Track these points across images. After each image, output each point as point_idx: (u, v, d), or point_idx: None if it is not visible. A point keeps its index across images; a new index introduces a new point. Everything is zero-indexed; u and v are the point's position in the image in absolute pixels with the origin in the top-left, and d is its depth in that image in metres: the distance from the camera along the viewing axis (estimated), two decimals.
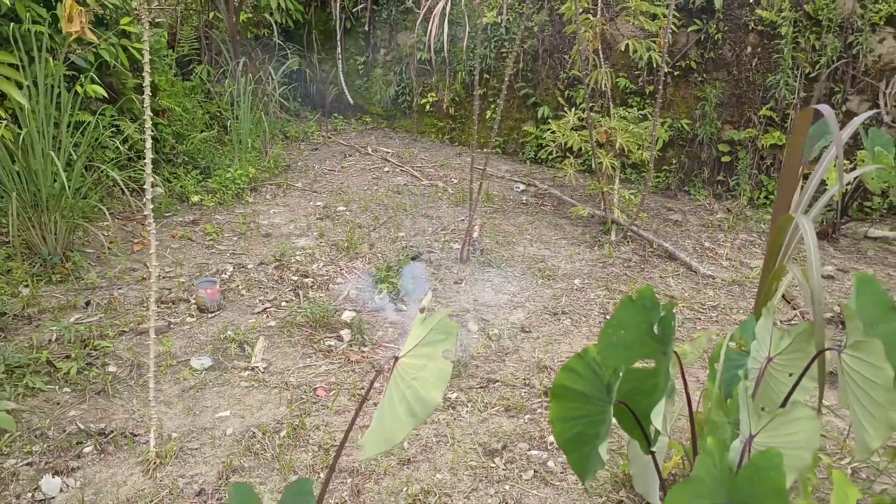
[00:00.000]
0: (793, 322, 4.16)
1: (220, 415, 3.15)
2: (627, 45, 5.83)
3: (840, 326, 4.13)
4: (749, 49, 6.26)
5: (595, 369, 1.58)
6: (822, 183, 5.16)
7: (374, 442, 1.49)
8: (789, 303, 4.40)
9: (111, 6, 5.24)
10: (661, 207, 6.20)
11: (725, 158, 6.43)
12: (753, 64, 6.23)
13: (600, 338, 1.61)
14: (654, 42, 5.93)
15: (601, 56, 6.25)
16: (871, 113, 3.16)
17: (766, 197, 6.20)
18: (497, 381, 3.48)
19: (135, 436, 2.96)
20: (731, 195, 6.36)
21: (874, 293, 1.68)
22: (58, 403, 3.17)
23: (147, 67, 2.52)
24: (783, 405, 1.66)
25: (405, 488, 2.71)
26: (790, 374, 1.91)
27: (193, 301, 4.17)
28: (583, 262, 5.02)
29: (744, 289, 4.63)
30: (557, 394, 1.59)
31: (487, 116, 7.82)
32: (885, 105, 5.73)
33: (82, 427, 2.98)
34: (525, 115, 7.64)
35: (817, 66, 5.88)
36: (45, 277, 4.29)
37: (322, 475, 2.78)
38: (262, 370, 3.54)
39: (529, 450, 2.97)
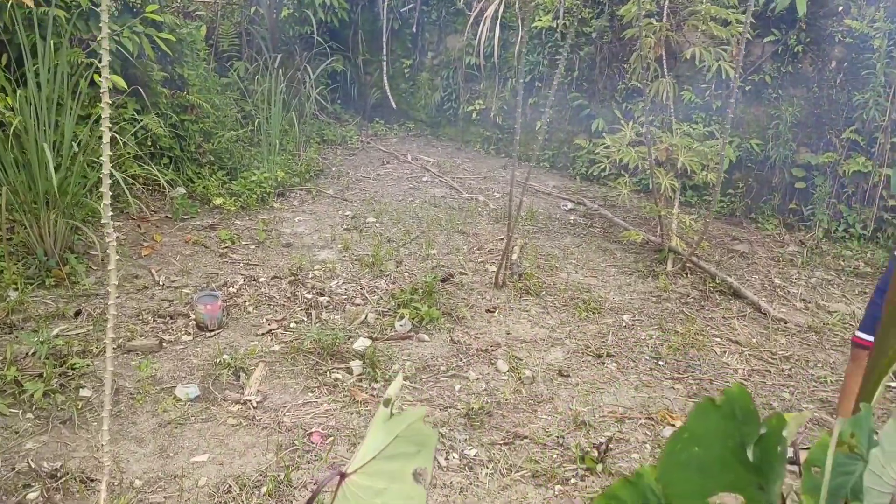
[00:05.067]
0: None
1: (196, 459, 2.70)
2: (694, 53, 5.24)
3: None
4: (834, 64, 5.59)
5: (651, 502, 1.05)
6: None
7: None
8: None
9: None
10: (725, 236, 5.57)
11: (800, 184, 5.76)
12: (838, 80, 5.56)
13: (663, 454, 1.07)
14: (725, 51, 5.32)
15: (664, 65, 5.67)
16: None
17: (845, 230, 5.50)
18: (525, 436, 2.94)
19: (91, 481, 2.52)
20: (805, 226, 5.68)
21: None
22: (16, 432, 2.76)
23: None
24: None
25: None
26: None
27: (193, 317, 3.75)
28: (634, 294, 4.44)
29: (821, 337, 3.99)
30: None
31: (537, 127, 7.29)
32: None
33: (34, 466, 2.55)
34: (577, 128, 7.08)
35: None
36: (39, 281, 3.93)
37: None
38: (255, 405, 3.07)
39: None
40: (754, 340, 3.91)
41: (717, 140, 5.14)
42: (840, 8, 5.45)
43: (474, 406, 3.10)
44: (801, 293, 4.54)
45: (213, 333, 3.66)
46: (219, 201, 5.44)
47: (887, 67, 5.24)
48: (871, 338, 2.68)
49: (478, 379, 3.39)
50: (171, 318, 3.76)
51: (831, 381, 3.51)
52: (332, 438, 2.85)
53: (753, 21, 5.70)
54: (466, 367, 3.50)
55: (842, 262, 5.10)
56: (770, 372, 3.61)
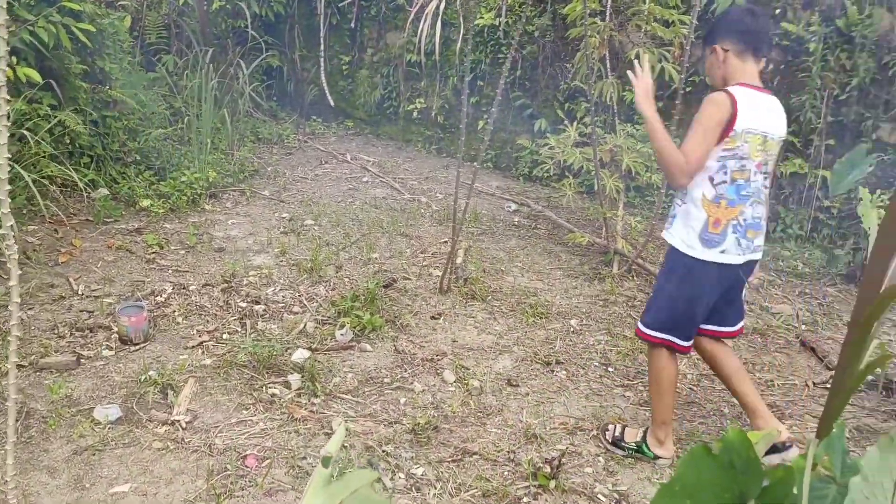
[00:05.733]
0: (829, 384, 3.51)
1: (116, 489, 2.45)
2: (638, 53, 5.20)
3: (885, 392, 3.49)
4: (771, 66, 5.64)
5: None
6: None
7: None
8: (823, 360, 3.75)
9: None
10: None
11: None
12: (775, 83, 5.62)
13: None
14: (668, 52, 5.30)
15: (607, 66, 5.62)
16: None
17: (783, 230, 5.57)
18: (475, 452, 2.80)
19: None
20: None
21: None
22: None
23: None
24: None
25: None
26: None
27: (115, 329, 3.47)
28: (581, 298, 4.36)
29: (766, 339, 3.99)
30: None
31: (480, 127, 7.17)
32: None
33: None
34: (520, 128, 7.00)
35: (847, 89, 5.27)
36: None
37: None
38: (184, 426, 2.84)
39: None
40: None
41: None
42: (777, 11, 5.51)
43: (421, 421, 2.94)
44: (744, 294, 4.53)
45: (137, 347, 3.40)
46: (145, 203, 5.12)
47: (822, 71, 5.32)
48: (669, 337, 2.69)
49: (424, 391, 3.24)
50: (91, 332, 3.47)
51: (778, 385, 3.49)
52: (268, 461, 2.65)
53: (695, 22, 5.71)
54: (412, 378, 3.34)
55: (781, 263, 5.15)
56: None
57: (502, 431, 2.96)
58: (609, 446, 2.86)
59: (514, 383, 3.34)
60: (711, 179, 2.53)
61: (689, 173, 2.49)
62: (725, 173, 2.51)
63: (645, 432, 2.82)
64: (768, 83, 5.63)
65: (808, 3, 5.45)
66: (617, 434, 2.87)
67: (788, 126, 5.49)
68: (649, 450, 2.77)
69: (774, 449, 2.62)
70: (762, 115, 2.52)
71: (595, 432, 2.98)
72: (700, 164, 2.49)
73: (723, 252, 2.55)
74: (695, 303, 2.63)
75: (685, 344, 2.70)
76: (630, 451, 2.81)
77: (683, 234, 2.59)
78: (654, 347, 2.73)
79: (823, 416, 2.26)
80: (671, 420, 2.79)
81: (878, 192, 4.57)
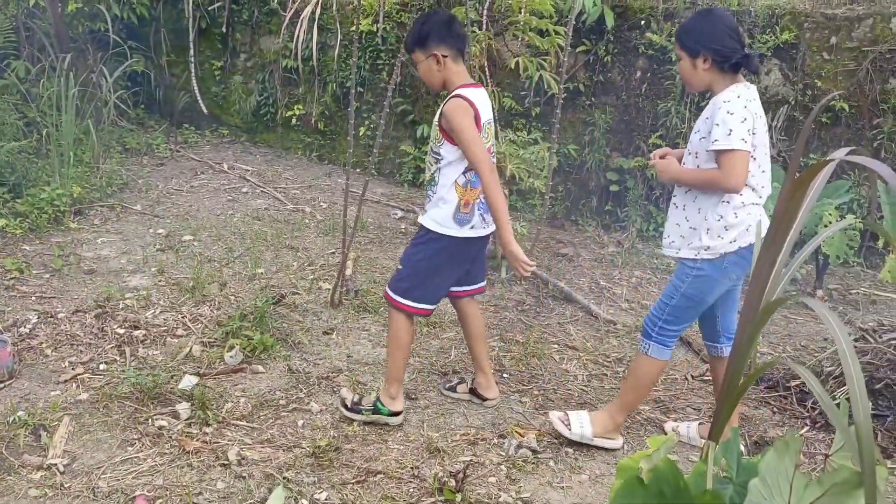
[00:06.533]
0: (706, 376, 3.75)
1: None
2: (517, 62, 5.34)
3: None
4: (639, 74, 5.96)
5: None
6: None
7: None
8: (698, 354, 4.00)
9: None
10: (550, 239, 5.75)
11: (614, 187, 6.09)
12: (643, 89, 5.94)
13: None
14: (545, 60, 5.48)
15: (487, 74, 5.73)
16: None
17: (655, 229, 5.89)
18: (379, 471, 2.76)
19: None
20: (621, 226, 6.02)
21: None
22: None
23: None
24: None
25: None
26: None
27: None
28: None
29: None
30: None
31: (361, 133, 7.11)
32: (772, 139, 5.58)
33: None
34: (402, 134, 7.00)
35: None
36: None
37: None
38: (62, 469, 2.63)
39: None
40: (589, 344, 4.02)
41: (539, 146, 5.28)
42: (642, 22, 5.82)
43: (321, 443, 2.87)
44: (624, 294, 4.77)
45: (2, 385, 3.11)
46: (0, 223, 4.70)
47: None
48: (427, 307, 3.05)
49: (322, 411, 3.17)
50: None
51: (661, 382, 3.68)
52: (160, 501, 2.49)
53: (570, 33, 5.92)
54: (308, 398, 3.26)
55: (655, 261, 5.44)
56: (606, 375, 3.72)
57: (405, 447, 2.94)
58: (347, 413, 3.04)
59: (413, 396, 3.33)
60: (466, 169, 2.87)
61: (494, 172, 2.82)
62: None
63: (378, 394, 3.05)
64: (637, 91, 5.95)
65: (668, 16, 5.80)
66: (355, 399, 3.07)
67: (656, 131, 5.87)
68: (384, 406, 2.99)
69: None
70: (485, 107, 2.93)
71: (496, 440, 3.03)
72: (489, 159, 2.86)
73: (472, 227, 2.96)
74: (446, 274, 3.01)
75: (430, 307, 3.05)
76: (367, 413, 3.01)
77: (440, 217, 2.91)
78: (398, 311, 2.99)
79: (714, 419, 2.39)
80: (402, 377, 3.05)
81: None
